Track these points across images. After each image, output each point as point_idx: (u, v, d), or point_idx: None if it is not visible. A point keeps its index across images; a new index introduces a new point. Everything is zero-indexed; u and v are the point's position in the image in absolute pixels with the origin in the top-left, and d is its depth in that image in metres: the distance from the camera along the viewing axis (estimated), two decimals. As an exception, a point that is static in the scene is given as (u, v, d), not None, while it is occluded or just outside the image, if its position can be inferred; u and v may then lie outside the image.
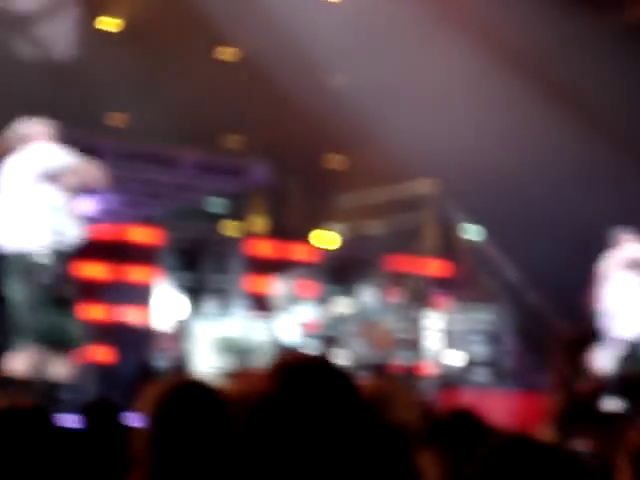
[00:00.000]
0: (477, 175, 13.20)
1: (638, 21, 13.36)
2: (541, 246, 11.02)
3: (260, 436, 1.78)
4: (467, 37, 13.03)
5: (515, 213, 12.65)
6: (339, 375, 1.88)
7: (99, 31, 14.61)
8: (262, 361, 11.52)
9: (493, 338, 11.93)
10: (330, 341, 11.94)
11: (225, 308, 12.80)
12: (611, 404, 8.20)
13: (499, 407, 9.49)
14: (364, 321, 11.48)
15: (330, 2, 14.13)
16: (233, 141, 16.11)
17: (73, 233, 6.87)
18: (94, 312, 11.37)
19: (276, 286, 11.51)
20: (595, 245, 11.39)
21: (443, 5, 13.25)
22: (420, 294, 11.62)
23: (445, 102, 13.33)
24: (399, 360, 11.14)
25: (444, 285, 12.87)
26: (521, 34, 13.02)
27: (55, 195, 6.81)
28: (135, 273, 12.52)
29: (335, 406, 1.77)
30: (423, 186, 13.25)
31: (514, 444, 1.76)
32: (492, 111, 13.15)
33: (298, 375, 1.84)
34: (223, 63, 15.55)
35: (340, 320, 11.55)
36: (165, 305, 11.76)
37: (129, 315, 12.02)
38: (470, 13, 13.11)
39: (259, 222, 14.71)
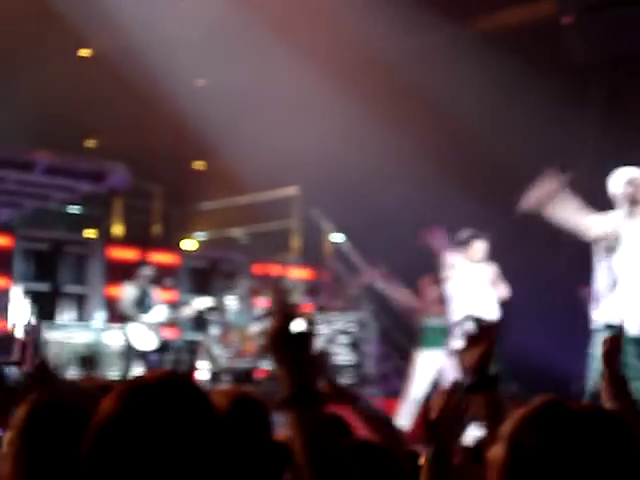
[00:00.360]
0: (340, 184, 13.28)
1: (485, 32, 13.70)
2: (399, 255, 11.10)
3: (104, 459, 1.67)
4: (317, 51, 13.08)
5: (374, 221, 12.76)
6: (191, 394, 1.72)
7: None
8: (116, 369, 11.23)
9: (356, 344, 11.95)
10: (192, 348, 11.74)
11: (83, 315, 12.45)
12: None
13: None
14: (228, 327, 11.32)
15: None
16: (91, 144, 15.72)
17: None
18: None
19: (129, 292, 11.18)
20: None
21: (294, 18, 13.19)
22: (285, 299, 11.49)
23: (304, 112, 13.31)
24: (265, 366, 11.01)
25: (309, 291, 12.83)
26: (369, 46, 13.15)
27: None
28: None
29: (182, 426, 1.68)
30: (288, 193, 13.25)
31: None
32: (350, 123, 13.25)
33: (145, 394, 1.71)
34: (80, 65, 15.12)
35: (203, 326, 11.36)
36: (18, 312, 11.29)
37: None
38: (318, 28, 13.12)
39: (118, 227, 14.32)
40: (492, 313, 8.74)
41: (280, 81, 13.71)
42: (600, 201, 6.82)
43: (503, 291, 8.96)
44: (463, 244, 9.01)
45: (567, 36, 11.73)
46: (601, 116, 12.86)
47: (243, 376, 11.16)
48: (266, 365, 10.92)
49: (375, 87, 13.30)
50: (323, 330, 11.40)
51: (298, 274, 12.99)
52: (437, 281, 9.33)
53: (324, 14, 13.13)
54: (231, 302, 11.40)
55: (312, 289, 12.82)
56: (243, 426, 2.50)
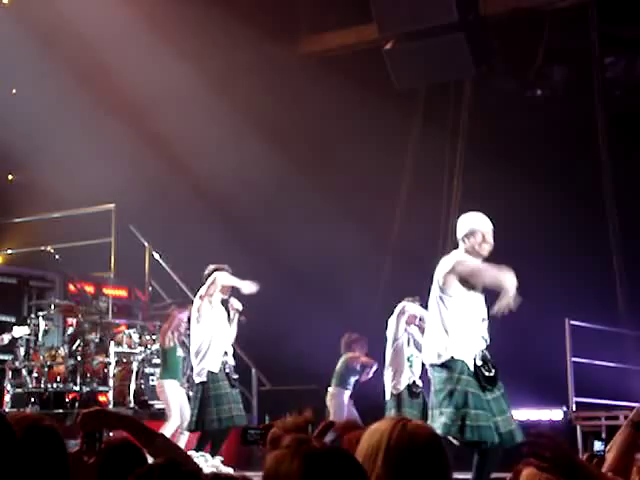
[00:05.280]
0: (156, 202, 13.09)
1: (311, 54, 13.86)
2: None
3: None
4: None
5: (191, 238, 12.66)
6: None
7: None
8: None
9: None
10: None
11: None
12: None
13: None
14: (37, 348, 10.81)
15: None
16: None
17: None
18: None
19: None
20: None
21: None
22: (100, 320, 11.09)
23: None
24: (77, 389, 10.56)
25: (125, 310, 12.46)
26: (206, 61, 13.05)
27: None
28: None
29: None
30: (103, 209, 12.90)
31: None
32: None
33: None
34: None
35: (10, 346, 10.79)
36: None
37: None
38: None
39: None
40: None
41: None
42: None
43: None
44: None
45: (388, 61, 11.94)
46: (420, 140, 13.21)
47: (52, 399, 10.68)
48: (76, 388, 10.51)
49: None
50: (138, 350, 11.03)
51: (113, 292, 12.59)
52: None
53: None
54: (42, 321, 10.91)
55: (127, 308, 12.46)
56: (36, 451, 2.39)
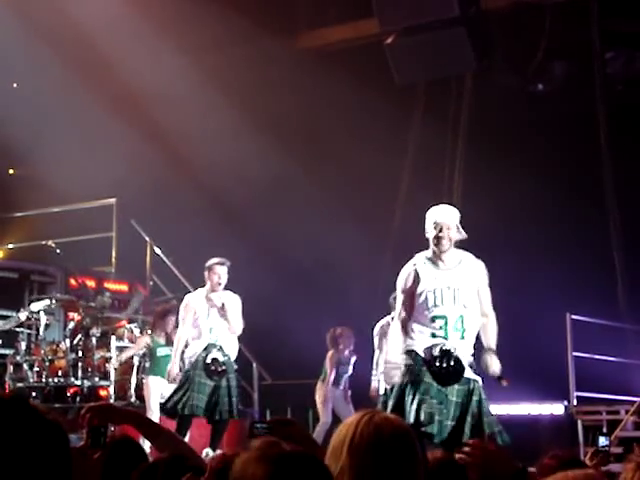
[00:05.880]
0: (158, 197, 13.10)
1: (310, 49, 13.86)
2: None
3: None
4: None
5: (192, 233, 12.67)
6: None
7: None
8: None
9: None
10: None
11: None
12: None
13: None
14: (38, 342, 10.81)
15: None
16: None
17: None
18: None
19: None
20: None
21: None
22: (101, 314, 11.09)
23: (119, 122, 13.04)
24: (78, 383, 10.57)
25: (126, 305, 12.45)
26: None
27: None
28: None
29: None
30: (105, 204, 12.92)
31: None
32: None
33: None
34: None
35: (11, 340, 10.80)
36: None
37: None
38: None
39: None
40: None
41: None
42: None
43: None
44: None
45: (389, 56, 11.93)
46: (420, 136, 13.20)
47: (53, 393, 10.69)
48: (77, 382, 10.52)
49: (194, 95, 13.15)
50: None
51: (114, 287, 12.59)
52: None
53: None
54: (43, 315, 10.91)
55: (128, 302, 12.45)
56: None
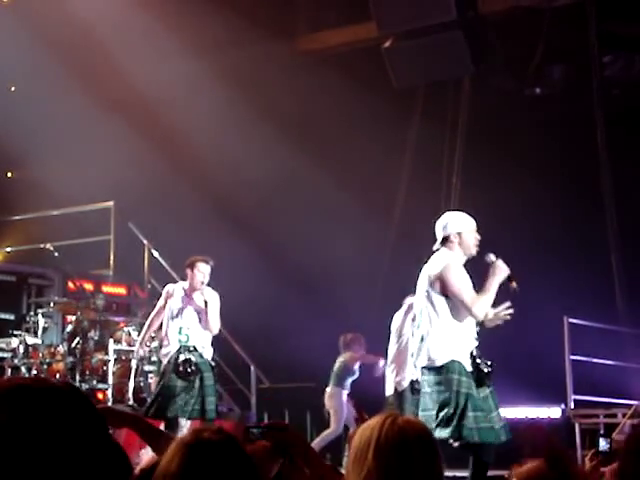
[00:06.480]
0: (156, 200, 13.10)
1: (309, 52, 13.86)
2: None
3: None
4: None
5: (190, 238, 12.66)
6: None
7: None
8: None
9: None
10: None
11: None
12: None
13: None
14: (35, 345, 10.80)
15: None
16: None
17: None
18: None
19: None
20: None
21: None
22: (99, 317, 11.08)
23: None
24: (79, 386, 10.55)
25: (124, 307, 12.45)
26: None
27: None
28: None
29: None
30: (103, 207, 12.91)
31: None
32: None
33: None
34: None
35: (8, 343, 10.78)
36: None
37: None
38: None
39: None
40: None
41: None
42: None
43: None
44: None
45: (387, 60, 11.95)
46: (419, 139, 13.22)
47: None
48: (79, 385, 10.51)
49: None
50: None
51: (112, 290, 12.59)
52: None
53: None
54: (40, 319, 10.90)
55: (126, 305, 12.45)
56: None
